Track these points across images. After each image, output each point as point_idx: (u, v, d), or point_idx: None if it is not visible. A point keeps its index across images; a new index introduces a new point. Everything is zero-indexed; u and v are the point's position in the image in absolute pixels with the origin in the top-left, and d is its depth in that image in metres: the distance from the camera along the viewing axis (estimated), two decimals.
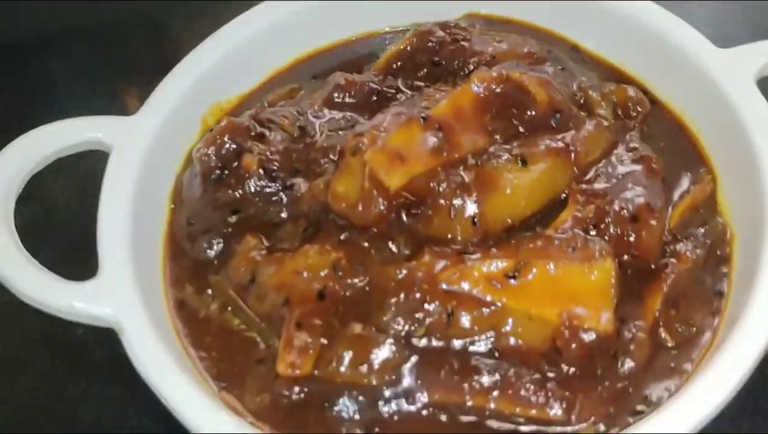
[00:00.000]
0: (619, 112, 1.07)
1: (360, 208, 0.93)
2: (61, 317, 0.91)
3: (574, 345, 0.87)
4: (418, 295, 0.89)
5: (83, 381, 1.07)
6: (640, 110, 1.07)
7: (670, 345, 0.91)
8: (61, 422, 1.04)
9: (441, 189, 0.94)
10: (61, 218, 1.23)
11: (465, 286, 0.89)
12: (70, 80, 1.43)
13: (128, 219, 0.97)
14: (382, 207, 0.93)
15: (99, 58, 1.45)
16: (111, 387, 1.06)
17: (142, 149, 1.02)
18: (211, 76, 1.10)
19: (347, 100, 1.08)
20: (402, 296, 0.90)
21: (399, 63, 1.12)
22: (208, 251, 1.00)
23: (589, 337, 0.87)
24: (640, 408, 0.87)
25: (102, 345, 1.07)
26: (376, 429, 0.87)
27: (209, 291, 0.98)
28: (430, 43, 1.12)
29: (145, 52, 1.46)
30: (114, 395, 1.05)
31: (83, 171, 1.13)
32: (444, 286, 0.89)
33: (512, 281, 0.88)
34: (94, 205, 0.99)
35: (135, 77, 1.40)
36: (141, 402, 1.03)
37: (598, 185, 0.98)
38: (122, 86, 1.41)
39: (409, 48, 1.12)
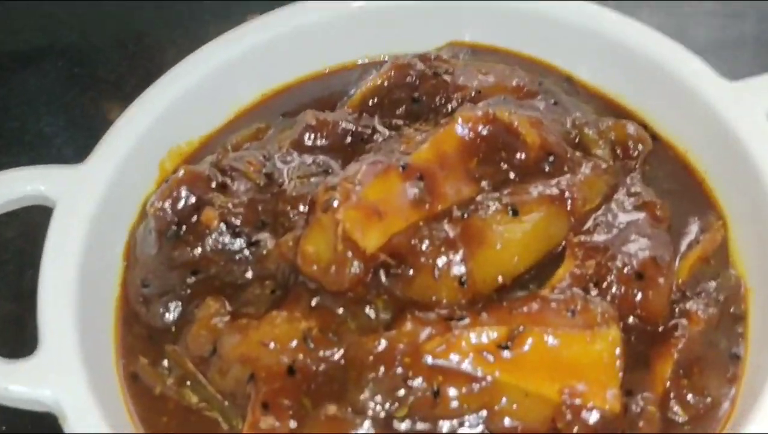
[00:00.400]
0: (618, 151, 0.98)
1: (333, 271, 0.84)
2: None
3: (576, 428, 0.78)
4: (399, 370, 0.80)
5: None
6: (641, 148, 0.98)
7: (682, 419, 0.83)
8: None
9: (423, 247, 0.85)
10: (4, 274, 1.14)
11: (453, 359, 0.79)
12: (45, 99, 1.36)
13: (74, 284, 0.87)
14: (357, 270, 0.83)
15: (73, 78, 1.38)
16: None
17: (91, 203, 0.92)
18: (169, 116, 1.01)
19: (319, 142, 0.99)
20: (381, 371, 0.80)
21: (375, 99, 1.03)
22: (165, 316, 0.90)
23: (593, 418, 0.78)
24: None
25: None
26: None
27: (165, 363, 0.88)
28: (409, 78, 1.03)
29: (121, 72, 1.38)
30: None
31: (30, 221, 1.03)
32: (429, 359, 0.80)
33: (505, 352, 0.79)
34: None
35: (111, 98, 1.33)
36: None
37: (598, 237, 0.89)
38: (96, 108, 1.34)
39: (386, 83, 1.03)
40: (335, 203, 0.83)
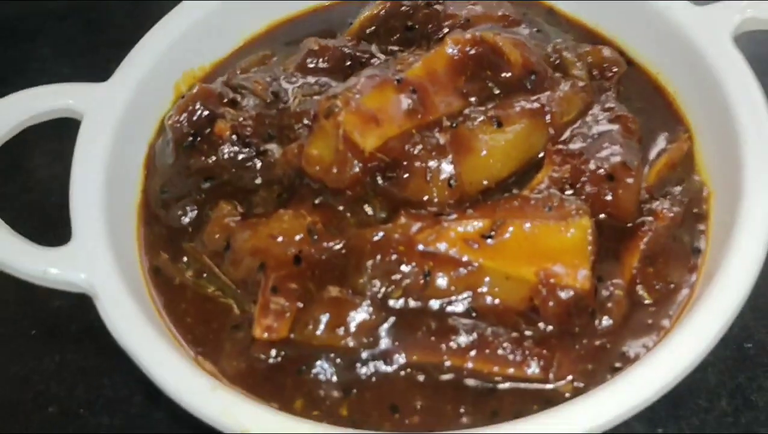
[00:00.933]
0: (595, 73, 1.07)
1: (335, 170, 0.93)
2: (36, 284, 0.91)
3: (551, 303, 0.86)
4: (394, 257, 0.89)
5: (58, 353, 1.07)
6: (615, 70, 1.07)
7: (647, 301, 0.92)
8: (36, 394, 1.04)
9: (416, 151, 0.94)
10: (38, 192, 1.22)
11: (441, 247, 0.88)
12: (52, 59, 1.41)
13: (101, 186, 0.96)
14: (357, 169, 0.92)
15: (82, 37, 1.44)
16: (86, 358, 1.06)
17: (114, 116, 1.01)
18: (183, 42, 1.10)
19: (321, 65, 1.07)
20: (378, 258, 0.89)
21: (372, 28, 1.11)
22: (182, 218, 0.99)
23: (566, 294, 0.86)
24: (618, 365, 0.87)
25: (77, 317, 1.07)
26: (354, 391, 0.87)
27: (184, 259, 0.97)
28: (403, 8, 1.11)
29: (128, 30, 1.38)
30: (90, 366, 1.05)
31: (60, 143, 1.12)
32: (420, 247, 0.89)
33: (489, 240, 0.88)
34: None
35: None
36: (117, 373, 1.04)
37: (574, 145, 0.98)
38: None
39: (382, 12, 1.11)
40: (336, 109, 0.92)
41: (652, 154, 1.02)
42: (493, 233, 0.88)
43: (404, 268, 0.89)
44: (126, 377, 1.03)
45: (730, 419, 0.98)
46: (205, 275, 0.95)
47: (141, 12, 1.45)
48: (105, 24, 1.46)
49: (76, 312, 1.08)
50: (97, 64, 1.34)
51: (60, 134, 1.03)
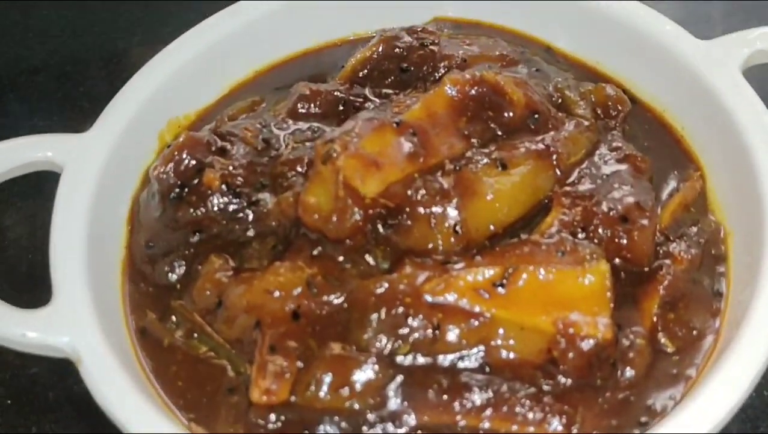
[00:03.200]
0: (599, 112, 1.02)
1: (334, 219, 0.87)
2: (14, 349, 0.85)
3: (571, 354, 0.81)
4: (400, 309, 0.83)
5: (35, 423, 1.02)
6: (620, 108, 1.03)
7: (670, 350, 0.86)
8: None
9: (419, 197, 0.89)
10: (13, 251, 1.17)
11: (451, 297, 0.83)
12: (29, 116, 1.37)
13: (83, 243, 0.91)
14: (358, 217, 0.87)
15: (59, 94, 1.39)
16: (67, 427, 1.01)
17: (96, 168, 0.96)
18: (167, 89, 1.05)
19: (313, 110, 1.03)
20: (383, 311, 0.84)
21: (365, 71, 1.07)
22: (170, 274, 0.93)
23: (587, 345, 0.81)
24: (644, 419, 0.82)
25: (55, 384, 1.03)
26: None
27: (173, 318, 0.91)
28: (397, 49, 1.07)
29: (103, 85, 1.39)
30: None
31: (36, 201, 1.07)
32: (428, 298, 0.83)
33: (501, 289, 0.83)
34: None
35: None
36: None
37: (583, 187, 0.94)
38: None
39: (375, 55, 1.07)
40: (335, 154, 0.86)
41: (664, 194, 0.97)
42: (504, 281, 0.83)
43: (411, 321, 0.83)
44: None
45: None
46: (196, 335, 0.89)
47: (116, 65, 1.42)
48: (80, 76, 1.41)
49: (54, 378, 1.03)
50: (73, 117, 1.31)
51: (37, 189, 0.97)
